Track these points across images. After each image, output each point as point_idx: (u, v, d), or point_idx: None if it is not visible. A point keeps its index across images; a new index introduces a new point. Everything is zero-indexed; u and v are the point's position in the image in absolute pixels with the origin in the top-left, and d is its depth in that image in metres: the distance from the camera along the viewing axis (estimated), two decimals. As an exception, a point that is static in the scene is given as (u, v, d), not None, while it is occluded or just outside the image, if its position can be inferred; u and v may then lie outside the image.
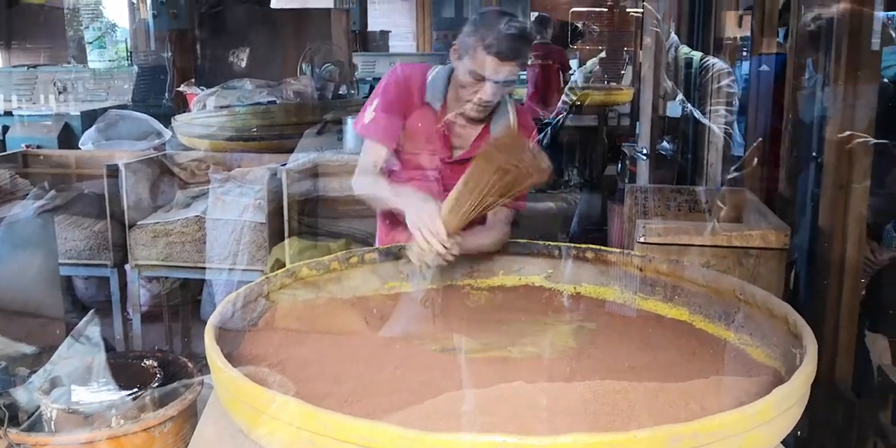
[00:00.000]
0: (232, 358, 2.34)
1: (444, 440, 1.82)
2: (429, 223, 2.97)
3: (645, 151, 6.27)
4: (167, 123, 7.65)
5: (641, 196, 4.73)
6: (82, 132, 7.92)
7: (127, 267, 5.67)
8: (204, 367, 2.62)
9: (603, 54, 15.09)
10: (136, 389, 3.12)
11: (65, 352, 3.29)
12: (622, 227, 5.30)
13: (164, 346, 6.20)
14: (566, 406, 2.12)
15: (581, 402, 2.13)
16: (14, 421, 3.11)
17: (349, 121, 6.35)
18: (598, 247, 3.27)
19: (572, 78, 11.78)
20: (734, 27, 6.22)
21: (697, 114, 5.78)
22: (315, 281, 3.12)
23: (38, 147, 7.51)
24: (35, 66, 9.73)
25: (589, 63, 13.09)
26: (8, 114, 8.65)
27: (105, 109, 8.25)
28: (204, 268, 5.47)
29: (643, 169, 6.36)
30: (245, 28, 8.98)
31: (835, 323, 3.66)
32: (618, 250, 3.28)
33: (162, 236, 5.46)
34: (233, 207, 5.37)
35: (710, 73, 5.54)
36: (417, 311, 3.11)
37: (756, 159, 5.09)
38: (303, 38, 8.95)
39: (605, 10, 18.38)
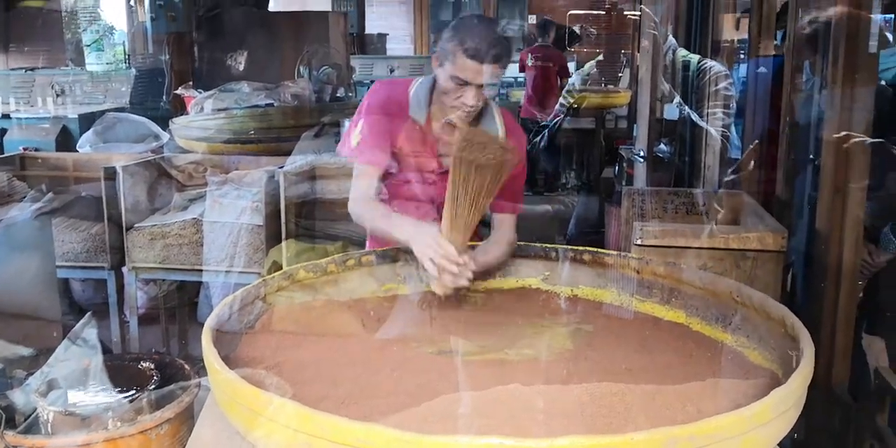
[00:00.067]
0: (229, 360, 2.34)
1: (441, 443, 1.82)
2: (436, 248, 2.98)
3: (642, 154, 6.29)
4: (165, 126, 7.66)
5: (638, 198, 4.73)
6: (80, 135, 7.93)
7: (124, 269, 5.67)
8: (201, 370, 2.63)
9: (600, 57, 15.09)
10: (132, 392, 3.13)
11: (62, 354, 3.29)
12: (619, 229, 5.30)
13: (160, 349, 6.20)
14: (563, 408, 2.12)
15: (578, 404, 2.13)
16: (11, 423, 3.11)
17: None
18: (595, 249, 3.27)
19: (570, 81, 11.80)
20: (731, 30, 6.22)
21: (695, 116, 5.78)
22: (312, 283, 3.13)
23: (36, 150, 7.52)
24: (33, 69, 9.73)
25: (586, 66, 13.10)
26: (6, 117, 8.66)
27: (103, 112, 8.26)
28: (201, 270, 5.47)
29: (640, 171, 6.38)
30: (243, 31, 8.98)
31: (832, 325, 3.66)
32: (615, 252, 3.28)
33: (159, 239, 5.46)
34: (230, 210, 5.37)
35: (708, 76, 5.54)
36: (414, 313, 3.12)
37: (753, 162, 5.09)
38: (300, 40, 8.95)
39: (603, 12, 18.42)
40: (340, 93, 8.68)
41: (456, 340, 2.87)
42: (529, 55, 12.06)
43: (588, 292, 3.23)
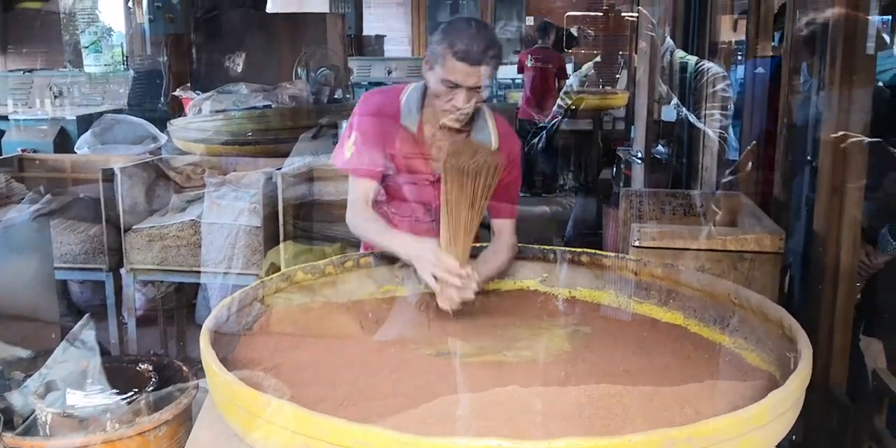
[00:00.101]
0: (227, 362, 2.34)
1: (440, 444, 1.83)
2: (436, 262, 2.98)
3: (640, 155, 6.28)
4: (163, 128, 7.66)
5: (636, 200, 4.73)
6: (78, 136, 7.94)
7: (122, 271, 5.67)
8: (199, 371, 2.62)
9: (598, 58, 15.11)
10: (131, 393, 3.12)
11: (60, 356, 3.29)
12: (617, 230, 5.30)
13: (159, 350, 6.20)
14: (561, 410, 2.13)
15: (576, 406, 2.13)
16: (9, 425, 3.11)
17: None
18: (593, 251, 3.28)
19: (567, 82, 11.81)
20: (729, 31, 6.22)
21: (692, 118, 5.78)
22: (310, 285, 3.13)
23: (34, 151, 7.53)
24: (31, 71, 9.74)
25: (584, 67, 13.12)
26: (4, 118, 8.67)
27: (101, 114, 8.27)
28: (199, 272, 5.47)
29: (638, 173, 6.37)
30: (241, 32, 8.98)
31: (829, 327, 3.66)
32: (613, 254, 3.28)
33: (157, 240, 5.46)
34: (228, 211, 5.37)
35: (706, 78, 5.54)
36: (412, 315, 3.12)
37: (751, 163, 5.09)
38: (298, 42, 8.95)
39: (601, 14, 18.43)
40: (338, 94, 8.69)
41: (454, 342, 2.87)
42: (529, 56, 12.06)
43: (586, 294, 3.24)
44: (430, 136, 3.42)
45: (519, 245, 3.41)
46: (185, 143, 7.06)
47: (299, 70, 8.73)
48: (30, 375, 3.26)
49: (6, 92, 9.20)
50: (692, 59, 6.23)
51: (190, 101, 7.70)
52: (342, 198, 3.48)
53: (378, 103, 3.48)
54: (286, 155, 6.01)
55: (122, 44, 10.15)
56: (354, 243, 4.77)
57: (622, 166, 7.82)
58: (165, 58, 8.69)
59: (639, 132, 6.42)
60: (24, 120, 8.50)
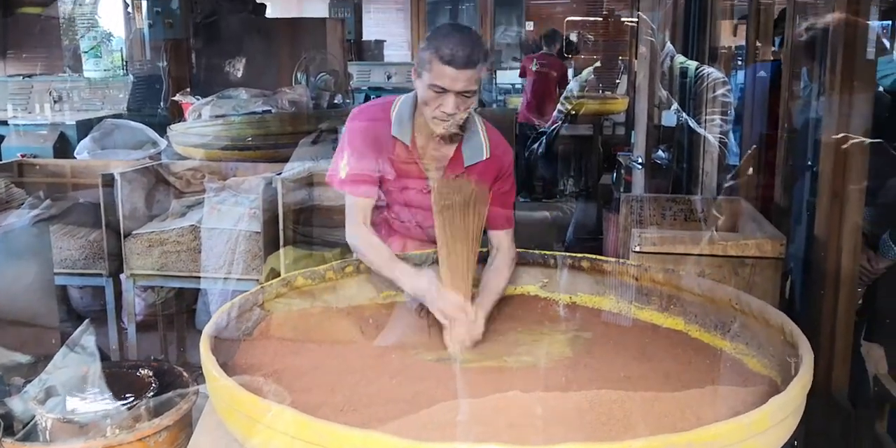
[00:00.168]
0: (227, 367, 2.34)
1: (440, 450, 1.83)
2: (441, 302, 2.99)
3: (640, 160, 6.28)
4: (162, 133, 7.64)
5: (637, 205, 4.73)
6: (78, 141, 7.92)
7: (122, 276, 5.66)
8: (199, 377, 2.62)
9: (598, 63, 15.10)
10: (131, 399, 3.12)
11: (60, 361, 3.29)
12: (618, 236, 5.29)
13: (159, 356, 6.19)
14: (562, 415, 2.12)
15: (577, 411, 2.13)
16: (9, 430, 3.11)
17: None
18: (593, 256, 3.28)
19: (568, 87, 11.81)
20: (729, 36, 6.22)
21: (693, 123, 5.78)
22: (310, 290, 3.13)
23: (34, 156, 7.52)
24: (31, 76, 9.73)
25: (584, 72, 13.10)
26: (3, 123, 8.65)
27: (100, 119, 8.25)
28: (199, 277, 5.47)
29: (638, 178, 6.37)
30: (240, 37, 8.98)
31: (831, 332, 3.66)
32: (613, 260, 3.28)
33: (157, 246, 5.45)
34: (228, 217, 5.37)
35: (706, 83, 5.54)
36: (413, 320, 3.11)
37: (751, 168, 5.09)
38: (298, 47, 8.94)
39: (601, 19, 18.42)
40: (338, 99, 8.68)
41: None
42: (534, 61, 12.07)
43: (587, 299, 3.24)
44: (422, 146, 3.41)
45: (519, 250, 3.41)
46: (185, 149, 7.05)
47: (299, 75, 8.73)
48: (30, 381, 3.25)
49: (6, 97, 9.19)
50: (692, 64, 6.22)
51: (189, 106, 7.68)
52: (342, 203, 3.47)
53: (368, 118, 3.47)
54: (286, 160, 6.00)
55: (121, 49, 10.14)
56: (355, 248, 4.78)
57: (622, 171, 7.81)
58: (165, 63, 8.69)
59: (639, 137, 6.42)
60: (24, 125, 8.48)
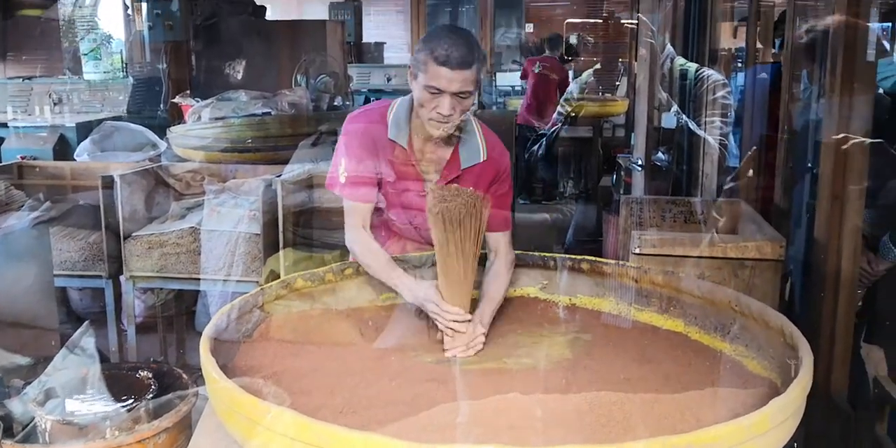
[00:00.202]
0: (227, 369, 2.34)
1: (440, 452, 1.82)
2: (441, 312, 2.98)
3: (640, 162, 6.28)
4: (162, 135, 7.64)
5: (637, 207, 4.73)
6: (77, 143, 7.92)
7: (122, 278, 5.66)
8: (199, 379, 2.62)
9: (598, 65, 15.11)
10: (130, 401, 3.12)
11: (59, 363, 3.28)
12: (617, 238, 5.30)
13: (158, 358, 6.19)
14: (562, 417, 2.12)
15: (577, 413, 2.13)
16: (9, 432, 3.10)
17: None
18: (593, 258, 3.27)
19: (567, 89, 11.82)
20: (729, 38, 6.22)
21: (692, 125, 5.78)
22: (310, 292, 3.13)
23: (34, 158, 7.51)
24: (30, 78, 9.73)
25: (584, 74, 13.10)
26: (3, 125, 8.66)
27: (100, 121, 8.25)
28: (199, 279, 5.47)
29: (638, 180, 6.37)
30: (240, 40, 8.99)
31: (830, 334, 3.66)
32: (613, 261, 3.28)
33: (157, 247, 5.45)
34: (228, 219, 5.37)
35: (706, 85, 5.54)
36: (412, 322, 3.11)
37: (751, 170, 5.09)
38: (298, 49, 8.95)
39: (600, 21, 18.43)
40: (338, 101, 8.68)
41: (454, 349, 2.88)
42: (537, 63, 12.10)
43: (586, 301, 3.24)
44: (420, 149, 3.40)
45: (519, 252, 3.41)
46: (185, 151, 7.05)
47: (299, 77, 8.73)
48: (29, 383, 3.25)
49: (6, 99, 9.19)
50: (692, 67, 6.22)
51: (189, 108, 7.68)
52: (341, 205, 3.47)
53: (364, 123, 3.46)
54: (286, 162, 6.00)
55: (121, 51, 10.14)
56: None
57: (622, 173, 7.81)
58: (165, 65, 8.69)
59: (639, 139, 6.42)
60: (24, 127, 8.49)
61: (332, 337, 2.90)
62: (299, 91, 7.96)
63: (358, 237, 3.38)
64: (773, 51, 5.95)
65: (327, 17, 13.85)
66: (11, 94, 9.29)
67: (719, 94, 5.41)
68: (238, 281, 5.36)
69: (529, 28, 18.90)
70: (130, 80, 9.70)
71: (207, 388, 2.34)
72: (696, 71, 6.02)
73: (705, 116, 5.49)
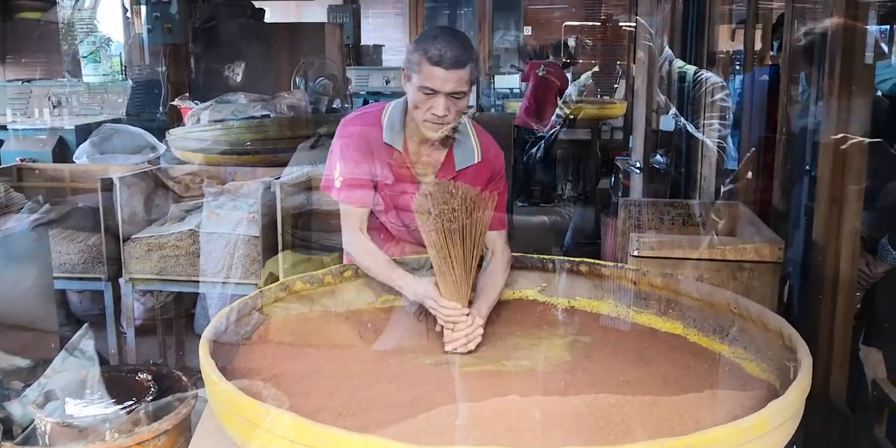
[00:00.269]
0: (226, 371, 2.34)
1: (439, 454, 1.83)
2: (438, 308, 2.98)
3: (638, 165, 6.28)
4: (161, 137, 7.65)
5: (635, 209, 4.73)
6: (77, 146, 7.93)
7: (121, 280, 5.66)
8: (198, 381, 2.62)
9: (596, 68, 15.12)
10: (130, 403, 3.12)
11: (59, 365, 3.28)
12: (616, 240, 5.30)
13: (158, 360, 6.19)
14: (560, 420, 2.13)
15: (575, 415, 2.13)
16: (8, 434, 3.11)
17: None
18: (591, 260, 3.27)
19: (566, 92, 11.83)
20: (727, 41, 6.23)
21: (691, 127, 5.78)
22: (309, 294, 3.12)
23: (33, 161, 7.51)
24: (30, 81, 9.73)
25: (582, 77, 13.12)
26: (3, 128, 8.66)
27: (99, 123, 8.26)
28: (198, 281, 5.47)
29: (637, 182, 6.37)
30: (239, 42, 9.00)
31: (829, 336, 3.66)
32: (612, 264, 3.28)
33: (156, 250, 5.46)
34: (227, 221, 5.37)
35: (704, 87, 5.55)
36: (411, 324, 3.11)
37: (750, 172, 5.09)
38: (296, 52, 8.97)
39: (599, 24, 18.43)
40: (336, 104, 8.69)
41: (453, 352, 2.87)
42: (541, 66, 12.12)
43: (585, 304, 3.23)
44: (415, 152, 3.41)
45: (518, 255, 3.41)
46: (184, 153, 7.05)
47: (298, 80, 8.74)
48: (29, 385, 3.25)
49: (5, 102, 9.19)
50: (691, 69, 6.23)
51: (188, 110, 7.70)
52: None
53: (358, 127, 3.46)
54: (285, 164, 6.01)
55: (120, 54, 10.16)
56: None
57: (620, 176, 7.82)
58: (164, 67, 8.69)
59: (637, 142, 6.42)
60: (23, 130, 8.49)
61: (331, 339, 2.90)
62: (298, 93, 7.97)
63: (355, 240, 3.38)
64: (772, 53, 5.95)
65: (326, 20, 13.88)
66: (11, 97, 9.29)
67: (717, 96, 5.42)
68: (237, 283, 5.37)
69: (528, 31, 18.92)
70: (129, 82, 9.70)
71: (207, 391, 2.34)
72: (695, 73, 6.03)
73: (703, 119, 5.49)
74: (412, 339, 3.01)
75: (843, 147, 3.49)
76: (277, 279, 4.46)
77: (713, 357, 2.74)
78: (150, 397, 3.20)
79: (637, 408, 2.16)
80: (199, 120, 7.31)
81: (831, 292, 3.65)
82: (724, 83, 5.62)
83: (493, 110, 13.32)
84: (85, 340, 3.35)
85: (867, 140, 3.47)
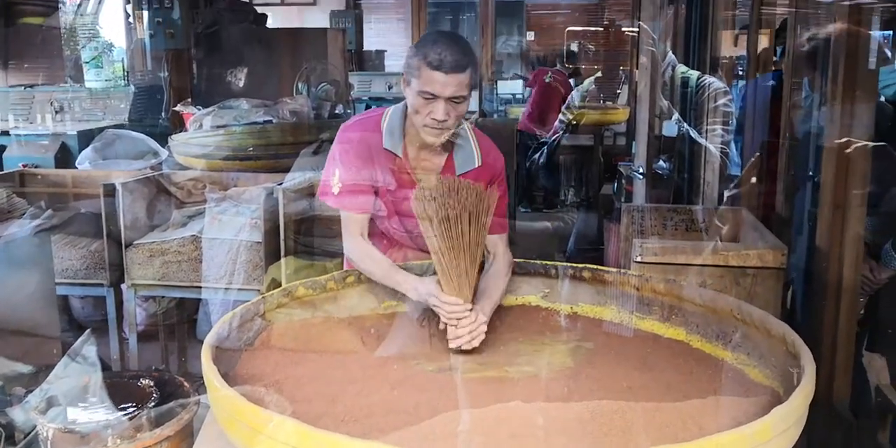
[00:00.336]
0: (228, 377, 2.34)
1: (442, 460, 1.82)
2: (441, 305, 2.98)
3: (641, 170, 6.28)
4: (164, 143, 7.65)
5: (638, 215, 4.73)
6: (79, 152, 7.92)
7: (123, 286, 5.65)
8: (200, 387, 2.62)
9: (599, 74, 15.12)
10: (132, 409, 3.11)
11: (61, 371, 3.28)
12: (619, 246, 5.29)
13: (160, 366, 6.19)
14: (563, 426, 2.12)
15: (578, 422, 2.13)
16: (10, 440, 3.11)
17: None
18: (594, 266, 3.27)
19: (569, 97, 11.83)
20: (730, 46, 6.23)
21: (694, 133, 5.78)
22: (311, 300, 3.12)
23: (35, 166, 7.51)
24: (32, 86, 9.73)
25: (585, 82, 13.12)
26: (5, 133, 8.67)
27: (102, 129, 8.25)
28: (200, 287, 5.46)
29: (639, 188, 6.37)
30: (241, 48, 8.99)
31: (832, 343, 3.65)
32: (615, 270, 3.28)
33: (158, 256, 5.45)
34: (229, 227, 5.37)
35: (707, 93, 5.54)
36: (414, 330, 3.11)
37: (753, 178, 5.09)
38: (299, 57, 8.96)
39: (602, 29, 18.45)
40: (339, 109, 8.69)
41: (455, 358, 2.87)
42: (549, 73, 12.14)
43: (588, 310, 3.23)
44: (414, 157, 3.41)
45: (521, 260, 3.41)
46: (186, 159, 7.05)
47: (300, 85, 8.73)
48: (31, 391, 3.25)
49: (7, 107, 9.19)
50: (694, 74, 6.22)
51: (191, 116, 7.69)
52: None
53: (358, 133, 3.46)
54: (287, 170, 6.00)
55: (122, 59, 10.14)
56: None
57: (623, 182, 7.83)
58: (166, 73, 8.69)
59: (640, 147, 6.43)
60: (26, 135, 8.49)
61: (333, 345, 2.90)
62: (300, 99, 7.97)
63: (356, 245, 3.38)
64: (775, 58, 5.94)
65: (328, 25, 13.87)
66: (13, 103, 9.29)
67: (721, 101, 5.41)
68: (239, 289, 5.36)
69: (531, 36, 18.92)
70: (132, 88, 9.70)
71: (209, 397, 2.34)
72: (698, 79, 6.02)
73: (706, 124, 5.48)
74: (415, 346, 3.01)
75: (847, 152, 3.49)
76: (280, 285, 4.45)
77: (716, 363, 2.73)
78: (153, 403, 3.20)
79: (640, 414, 2.16)
80: (201, 125, 7.30)
81: (835, 298, 3.64)
82: (728, 88, 5.62)
83: (495, 116, 13.33)
84: (87, 346, 3.34)
85: (871, 145, 3.47)
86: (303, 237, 5.51)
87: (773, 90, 5.39)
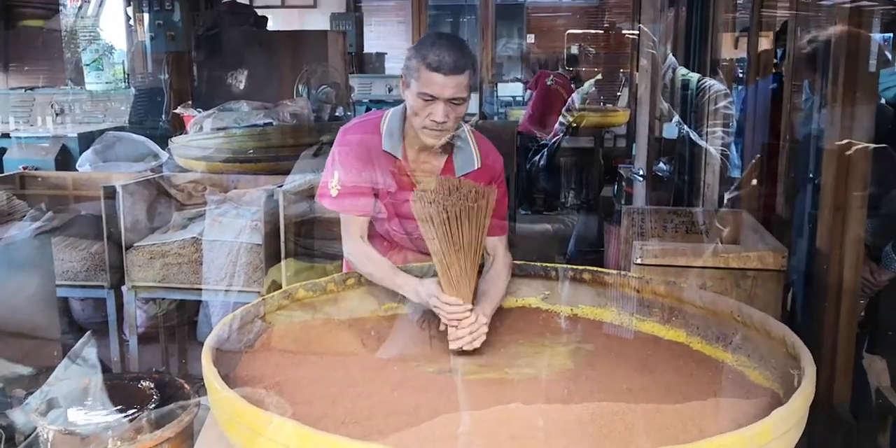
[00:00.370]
0: (229, 379, 2.34)
1: (442, 462, 1.82)
2: (441, 306, 2.98)
3: (641, 173, 6.28)
4: (164, 145, 7.64)
5: (638, 217, 4.72)
6: (79, 154, 7.93)
7: (123, 288, 5.65)
8: (201, 389, 2.62)
9: (599, 76, 15.12)
10: (132, 411, 3.12)
11: (61, 373, 3.28)
12: (619, 248, 5.29)
13: (160, 368, 6.19)
14: (563, 428, 2.12)
15: (578, 423, 2.13)
16: (11, 442, 3.11)
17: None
18: (595, 268, 3.27)
19: (569, 99, 11.83)
20: (731, 49, 6.23)
21: (694, 135, 5.78)
22: (312, 302, 3.12)
23: (36, 169, 7.51)
24: (32, 89, 9.73)
25: (585, 84, 13.12)
26: (5, 136, 8.67)
27: (102, 131, 8.25)
28: (200, 289, 5.46)
29: (640, 190, 6.37)
30: (242, 50, 9.00)
31: (832, 345, 3.65)
32: (615, 272, 3.28)
33: (159, 258, 5.45)
34: (229, 229, 5.37)
35: (708, 95, 5.54)
36: (414, 332, 3.11)
37: (753, 180, 5.09)
38: (299, 60, 8.97)
39: (602, 31, 18.43)
40: (339, 112, 8.69)
41: (456, 359, 2.87)
42: (551, 76, 12.15)
43: (588, 311, 3.23)
44: (414, 159, 3.40)
45: (521, 263, 3.41)
46: (187, 161, 7.05)
47: (300, 87, 8.74)
48: (31, 393, 3.25)
49: (8, 109, 9.19)
50: (694, 77, 6.22)
51: (191, 118, 7.68)
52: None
53: (357, 135, 3.45)
54: (287, 172, 6.00)
55: (123, 61, 10.15)
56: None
57: (624, 184, 7.82)
58: (167, 75, 8.70)
59: (640, 149, 6.43)
60: (26, 137, 8.49)
61: (333, 347, 2.90)
62: (301, 101, 7.96)
63: (356, 248, 3.38)
64: (775, 61, 5.95)
65: (329, 28, 13.87)
66: (14, 105, 9.30)
67: (721, 104, 5.41)
68: (240, 291, 5.36)
69: (531, 39, 18.93)
70: (132, 90, 9.70)
71: (209, 399, 2.34)
72: (698, 81, 6.02)
73: (707, 126, 5.48)
74: (415, 347, 3.01)
75: (847, 154, 3.48)
76: (280, 287, 4.45)
77: (716, 365, 2.73)
78: (153, 405, 3.20)
79: (640, 416, 2.16)
80: (201, 128, 7.30)
81: (835, 300, 3.64)
82: (728, 91, 5.62)
83: (496, 118, 13.33)
84: (87, 348, 3.35)
85: (871, 147, 3.47)
86: (303, 239, 5.51)
87: (773, 92, 5.39)
